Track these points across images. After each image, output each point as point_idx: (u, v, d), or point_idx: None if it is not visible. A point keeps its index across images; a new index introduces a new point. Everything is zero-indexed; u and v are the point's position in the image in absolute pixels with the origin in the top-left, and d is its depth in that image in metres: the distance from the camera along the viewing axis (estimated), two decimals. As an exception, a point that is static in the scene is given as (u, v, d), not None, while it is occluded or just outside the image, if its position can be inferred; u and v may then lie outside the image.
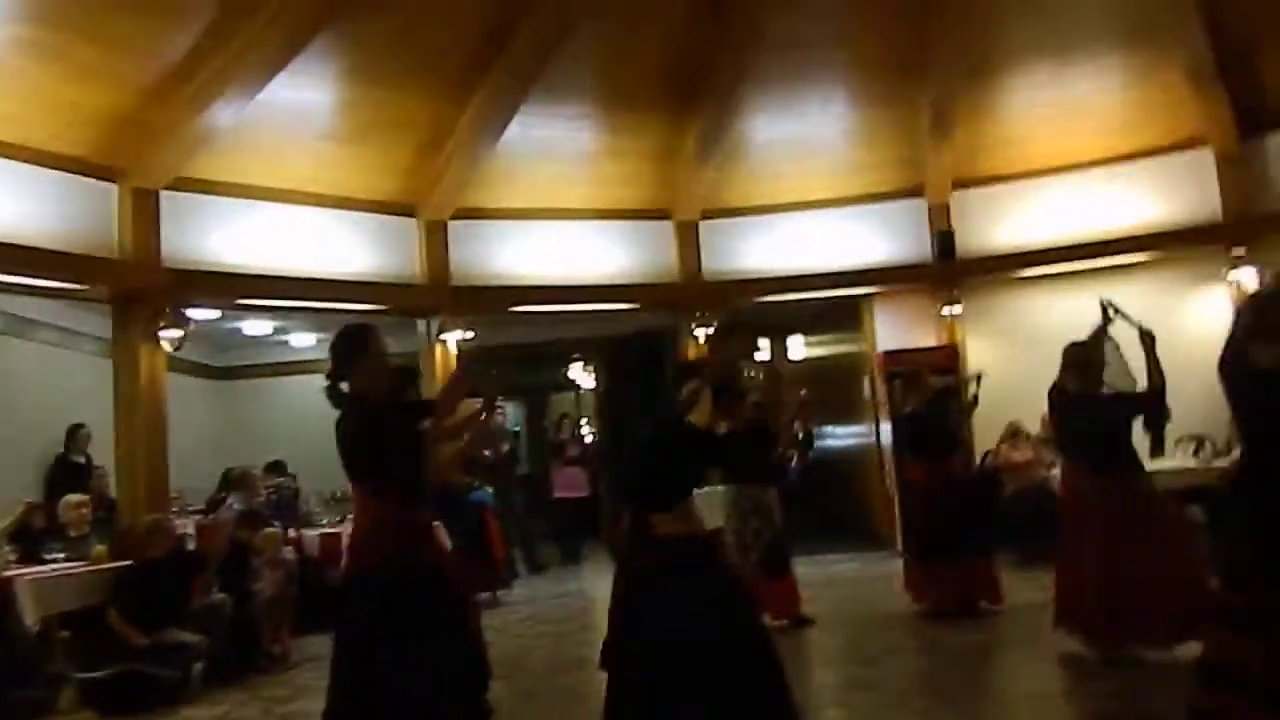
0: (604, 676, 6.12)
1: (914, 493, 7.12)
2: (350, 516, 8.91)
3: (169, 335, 7.90)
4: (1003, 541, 8.23)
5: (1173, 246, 9.39)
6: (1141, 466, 5.31)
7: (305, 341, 12.05)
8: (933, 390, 7.16)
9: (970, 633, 6.21)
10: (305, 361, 12.27)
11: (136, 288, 7.85)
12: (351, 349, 3.78)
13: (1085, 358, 5.31)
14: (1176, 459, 7.87)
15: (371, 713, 3.48)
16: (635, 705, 3.40)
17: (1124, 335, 5.45)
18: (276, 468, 9.17)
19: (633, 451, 3.54)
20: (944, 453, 7.02)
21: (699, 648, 3.36)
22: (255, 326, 11.08)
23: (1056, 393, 5.39)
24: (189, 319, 8.19)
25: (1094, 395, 5.24)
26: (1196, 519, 7.59)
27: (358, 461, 3.72)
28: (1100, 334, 5.38)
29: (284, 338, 11.78)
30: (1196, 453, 8.12)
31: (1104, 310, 5.40)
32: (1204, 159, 9.30)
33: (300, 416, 11.54)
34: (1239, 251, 8.99)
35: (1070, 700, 4.84)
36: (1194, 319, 8.99)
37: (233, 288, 8.52)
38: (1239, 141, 9.11)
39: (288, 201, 8.90)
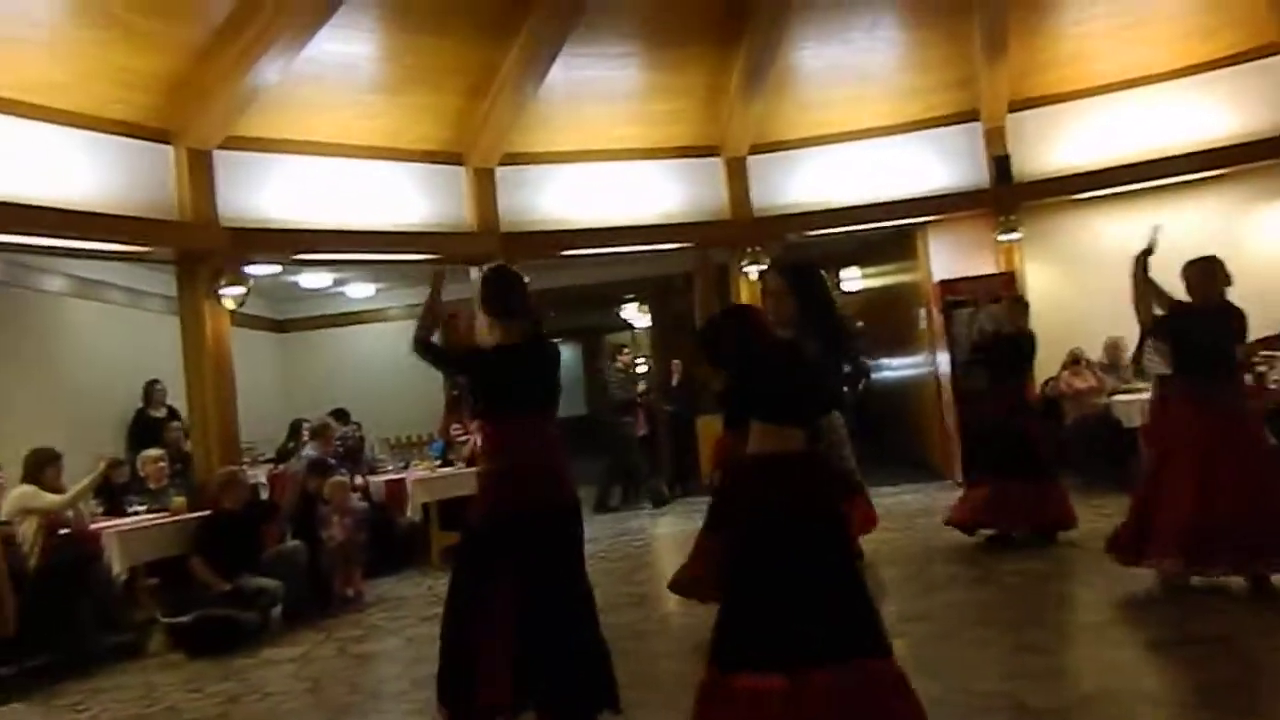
0: (662, 608, 6.30)
1: (988, 416, 7.04)
2: (416, 462, 9.27)
3: (231, 292, 8.10)
4: (1064, 468, 8.16)
5: (1243, 160, 9.00)
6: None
7: (363, 292, 12.26)
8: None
9: (1027, 561, 6.20)
10: (364, 312, 12.54)
11: (196, 248, 8.05)
12: (520, 290, 3.91)
13: (1211, 272, 5.15)
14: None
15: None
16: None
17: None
18: (340, 416, 9.42)
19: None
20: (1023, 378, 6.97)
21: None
22: (313, 280, 11.29)
23: (1178, 308, 5.19)
24: (249, 275, 8.39)
25: (1212, 310, 5.10)
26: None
27: (556, 391, 3.87)
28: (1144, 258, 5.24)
29: (342, 289, 11.99)
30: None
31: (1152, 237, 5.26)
32: (1277, 67, 8.85)
33: (361, 365, 11.86)
34: (1312, 170, 8.61)
35: (1125, 628, 4.84)
36: (1261, 237, 8.69)
37: (289, 243, 8.69)
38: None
39: (338, 155, 8.99)
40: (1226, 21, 9.03)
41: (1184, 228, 8.70)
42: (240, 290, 8.16)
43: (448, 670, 3.73)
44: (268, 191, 8.55)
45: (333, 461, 7.75)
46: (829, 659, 3.18)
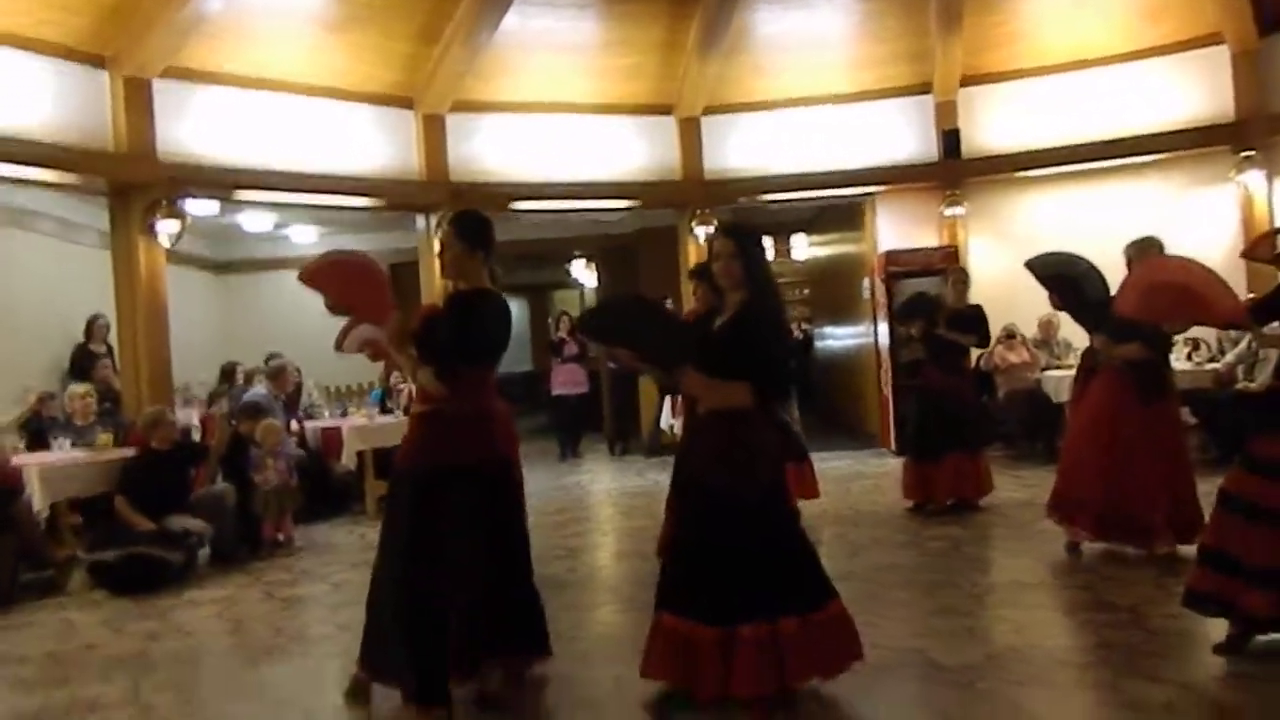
0: (593, 562, 6.36)
1: (926, 395, 7.10)
2: (355, 410, 9.17)
3: (166, 228, 7.90)
4: (993, 440, 8.37)
5: (1182, 146, 9.21)
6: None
7: (306, 237, 12.04)
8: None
9: (953, 527, 6.37)
10: (306, 257, 12.27)
11: (132, 180, 7.83)
12: (488, 236, 3.79)
13: (1149, 250, 5.29)
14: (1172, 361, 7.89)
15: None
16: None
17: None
18: (275, 359, 9.26)
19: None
20: (963, 358, 7.05)
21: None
22: (255, 221, 11.06)
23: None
24: (186, 212, 8.18)
25: None
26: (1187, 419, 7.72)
27: (499, 345, 3.74)
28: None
29: (284, 232, 11.76)
30: (1190, 356, 8.14)
31: None
32: (1219, 56, 9.04)
33: (301, 311, 11.61)
34: (1248, 153, 8.82)
35: (1043, 590, 5.00)
36: (1200, 221, 8.91)
37: (229, 181, 8.49)
38: (1257, 39, 8.82)
39: (282, 91, 8.79)
40: (1173, 8, 9.18)
41: (1125, 210, 8.95)
42: (176, 227, 7.96)
43: (373, 629, 3.67)
44: (209, 126, 8.32)
45: (266, 404, 7.64)
46: (758, 615, 3.31)
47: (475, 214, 3.91)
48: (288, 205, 9.54)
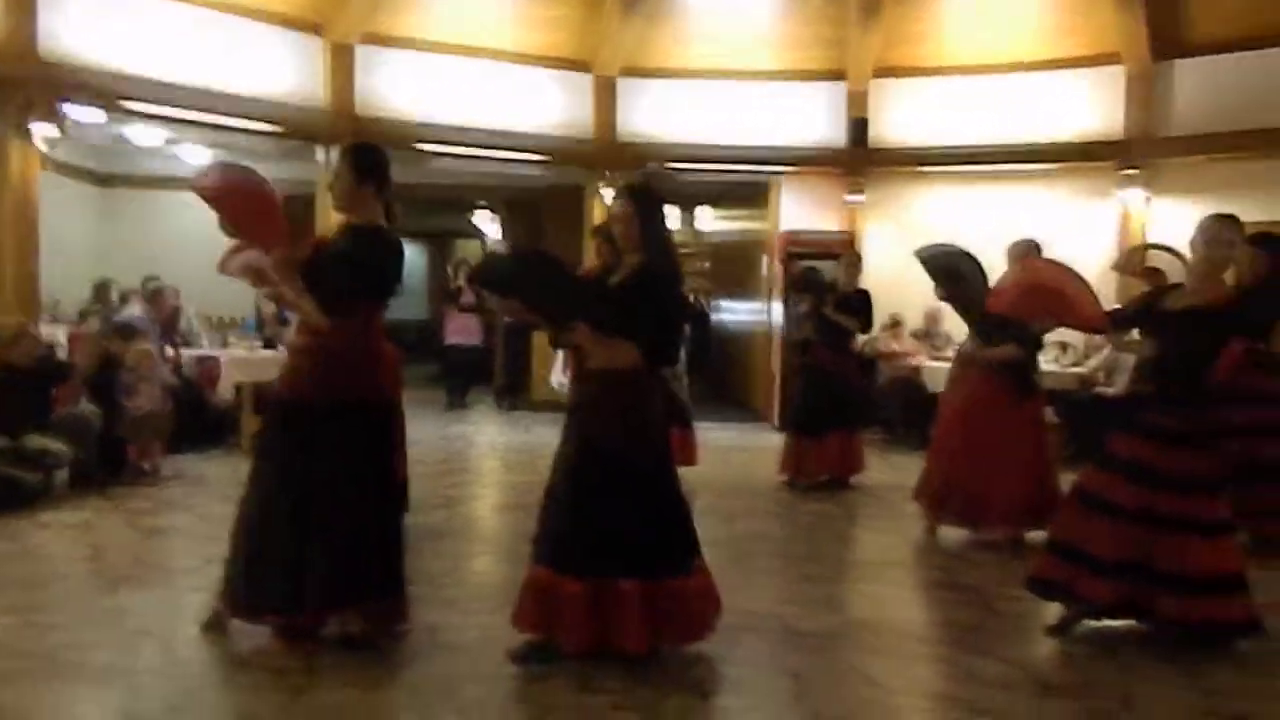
0: (471, 513, 6.36)
1: (813, 373, 7.30)
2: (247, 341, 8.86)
3: (43, 130, 7.44)
4: (872, 423, 8.68)
5: (1072, 158, 9.63)
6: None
7: (198, 157, 11.47)
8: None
9: (825, 504, 6.61)
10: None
11: (6, 74, 7.32)
12: (382, 170, 3.67)
13: (1028, 252, 5.54)
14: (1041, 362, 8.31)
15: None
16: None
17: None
18: (153, 282, 8.86)
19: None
20: (850, 340, 7.25)
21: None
22: (143, 134, 10.46)
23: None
24: (66, 116, 7.71)
25: None
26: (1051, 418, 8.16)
27: (388, 282, 3.63)
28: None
29: (175, 150, 11.19)
30: (1058, 359, 8.58)
31: None
32: (1116, 76, 9.47)
33: (187, 235, 11.10)
34: (1131, 171, 9.29)
35: (900, 568, 5.25)
36: (1081, 231, 9.34)
37: (116, 88, 8.02)
38: (1151, 63, 9.27)
39: (185, 1, 8.33)
40: (1078, 26, 9.55)
41: (1014, 213, 9.33)
42: (53, 130, 7.51)
43: (239, 565, 3.60)
44: (99, 26, 7.85)
45: (139, 326, 7.33)
46: (625, 573, 3.39)
47: (369, 146, 3.82)
48: (180, 121, 9.08)
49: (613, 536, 3.44)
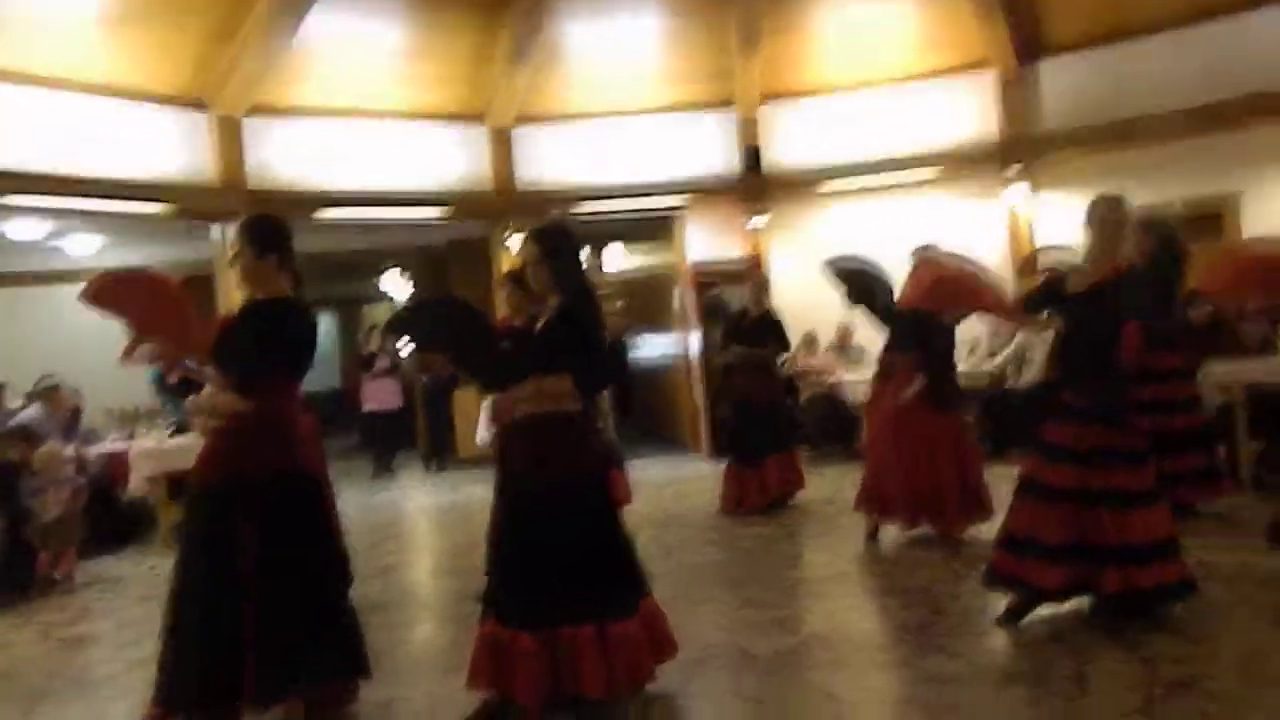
0: (407, 580, 6.19)
1: (738, 401, 7.32)
2: (139, 432, 8.50)
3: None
4: (796, 442, 8.75)
5: (956, 165, 9.98)
6: None
7: (85, 247, 11.09)
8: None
9: (762, 526, 6.62)
10: (84, 270, 11.32)
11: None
12: (280, 240, 3.58)
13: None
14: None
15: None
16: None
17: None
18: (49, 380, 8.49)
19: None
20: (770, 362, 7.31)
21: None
22: (24, 229, 10.07)
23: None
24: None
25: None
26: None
27: (299, 355, 3.54)
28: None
29: (58, 243, 10.79)
30: (966, 358, 8.81)
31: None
32: (987, 82, 9.88)
33: (80, 328, 10.68)
34: (1013, 171, 9.67)
35: (846, 580, 5.27)
36: (974, 232, 9.65)
37: (-9, 185, 7.72)
38: (1017, 66, 9.71)
39: (60, 88, 8.08)
40: (946, 37, 9.95)
41: (910, 221, 9.62)
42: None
43: (173, 661, 3.38)
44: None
45: (42, 428, 6.99)
46: (575, 620, 3.33)
47: (265, 218, 3.74)
48: (62, 211, 8.76)
49: (557, 584, 3.39)
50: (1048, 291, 4.23)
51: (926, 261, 5.10)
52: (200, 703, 3.36)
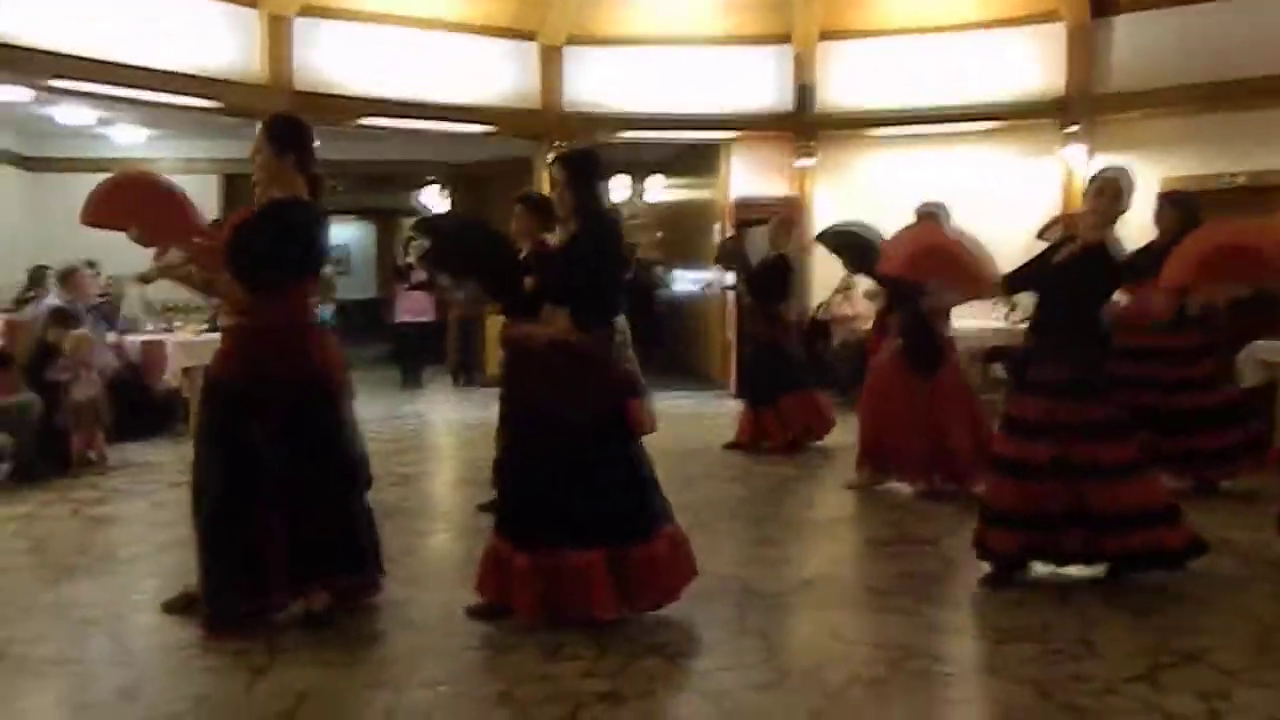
0: (427, 490, 6.30)
1: (753, 342, 7.36)
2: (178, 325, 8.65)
3: (-35, 113, 7.14)
4: (825, 386, 8.72)
5: (1015, 117, 9.71)
6: None
7: (132, 138, 11.15)
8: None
9: (782, 466, 6.64)
10: (131, 160, 11.41)
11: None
12: (301, 140, 3.59)
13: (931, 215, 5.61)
14: (991, 319, 8.45)
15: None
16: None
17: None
18: (91, 268, 8.59)
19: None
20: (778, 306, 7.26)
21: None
22: (72, 114, 10.13)
23: None
24: (-10, 97, 7.42)
25: None
26: (999, 375, 8.31)
27: (310, 259, 3.58)
28: None
29: (106, 131, 10.85)
30: (1007, 316, 8.69)
31: None
32: (1056, 34, 9.53)
33: (124, 218, 10.81)
34: (1072, 128, 9.39)
35: (851, 526, 5.30)
36: (1026, 189, 9.45)
37: (39, 65, 7.71)
38: (1090, 19, 9.36)
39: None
40: (1019, -17, 9.60)
41: (962, 172, 9.44)
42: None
43: (218, 566, 3.47)
44: (22, 1, 7.53)
45: (76, 312, 7.10)
46: (582, 544, 3.39)
47: (289, 117, 3.76)
48: (109, 99, 8.78)
49: (559, 506, 3.43)
50: (1032, 269, 4.13)
51: (916, 230, 5.01)
52: (229, 598, 3.45)
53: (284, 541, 3.44)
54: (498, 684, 3.14)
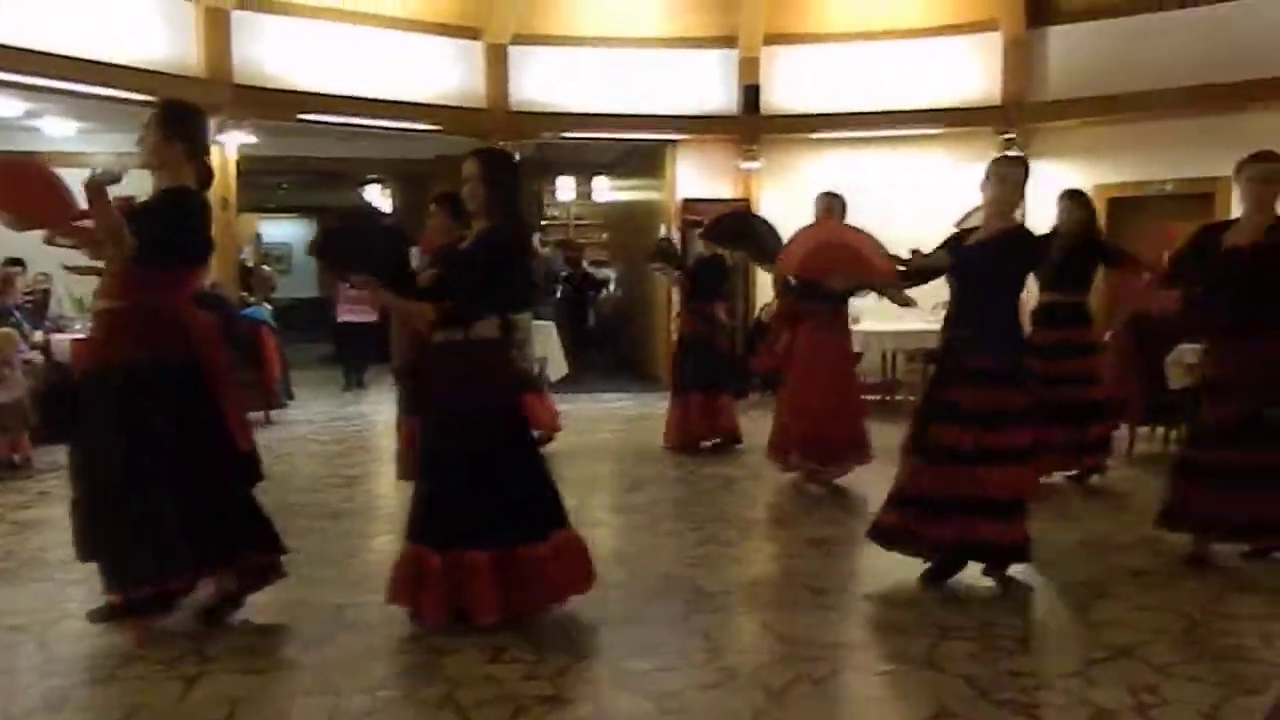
0: (372, 491, 6.21)
1: (690, 336, 7.40)
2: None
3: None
4: (741, 388, 8.81)
5: (953, 124, 9.89)
6: None
7: (62, 130, 10.80)
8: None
9: (725, 467, 6.68)
10: (62, 154, 11.06)
11: None
12: (192, 128, 3.57)
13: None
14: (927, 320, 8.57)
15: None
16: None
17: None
18: (17, 264, 8.33)
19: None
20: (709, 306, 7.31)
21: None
22: (1, 106, 9.79)
23: None
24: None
25: None
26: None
27: (189, 248, 3.52)
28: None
29: (35, 123, 10.50)
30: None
31: None
32: (994, 42, 9.75)
33: (54, 213, 10.47)
34: (1009, 135, 9.60)
35: (793, 526, 5.33)
36: (964, 193, 9.57)
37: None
38: (1026, 29, 9.58)
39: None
40: (960, -8, 9.80)
41: (902, 177, 9.62)
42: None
43: (126, 546, 3.39)
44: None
45: (8, 312, 6.88)
46: (484, 543, 3.40)
47: (180, 103, 3.71)
48: (39, 89, 8.50)
49: (461, 507, 3.44)
50: (933, 256, 4.14)
51: (812, 229, 5.10)
52: (133, 580, 3.39)
53: (183, 521, 3.36)
54: (439, 687, 3.10)
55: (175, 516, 3.35)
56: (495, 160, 3.59)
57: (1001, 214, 4.01)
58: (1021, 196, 4.08)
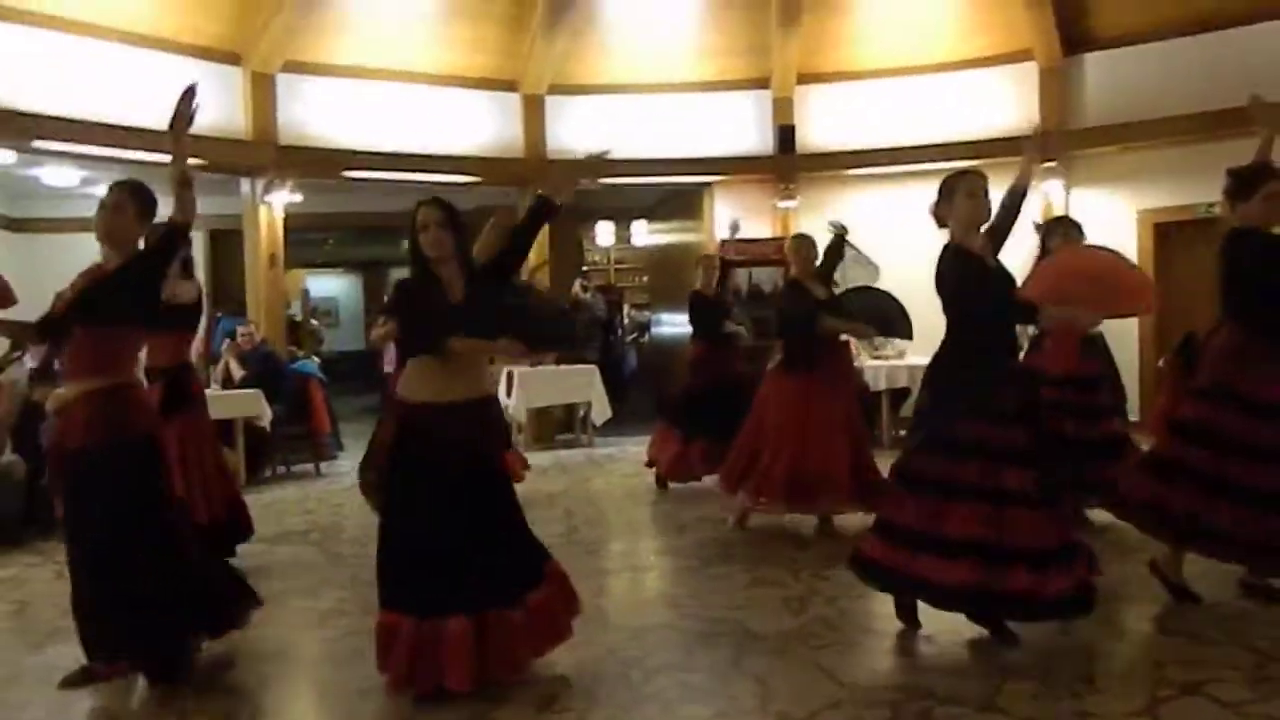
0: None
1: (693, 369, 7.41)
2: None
3: (-51, 176, 7.16)
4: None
5: (993, 155, 9.79)
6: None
7: (116, 195, 11.17)
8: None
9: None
10: (116, 217, 11.40)
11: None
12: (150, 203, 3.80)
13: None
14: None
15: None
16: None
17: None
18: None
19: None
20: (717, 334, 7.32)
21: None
22: (57, 175, 10.16)
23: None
24: (-24, 159, 7.45)
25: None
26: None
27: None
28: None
29: (91, 190, 10.86)
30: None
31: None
32: (1029, 73, 9.72)
33: (110, 275, 10.79)
34: (1049, 164, 9.52)
35: (840, 567, 5.23)
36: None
37: (21, 128, 7.77)
38: (1061, 57, 9.54)
39: (90, 35, 8.12)
40: (990, 25, 9.80)
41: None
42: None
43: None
44: (8, 65, 7.61)
45: (57, 371, 7.05)
46: (460, 610, 3.29)
47: (147, 187, 3.86)
48: (94, 159, 8.81)
49: (436, 568, 3.31)
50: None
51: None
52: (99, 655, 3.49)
53: (97, 608, 3.43)
54: (492, 738, 3.08)
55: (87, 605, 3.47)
56: (450, 206, 3.56)
57: (963, 233, 3.82)
58: (979, 211, 3.82)
